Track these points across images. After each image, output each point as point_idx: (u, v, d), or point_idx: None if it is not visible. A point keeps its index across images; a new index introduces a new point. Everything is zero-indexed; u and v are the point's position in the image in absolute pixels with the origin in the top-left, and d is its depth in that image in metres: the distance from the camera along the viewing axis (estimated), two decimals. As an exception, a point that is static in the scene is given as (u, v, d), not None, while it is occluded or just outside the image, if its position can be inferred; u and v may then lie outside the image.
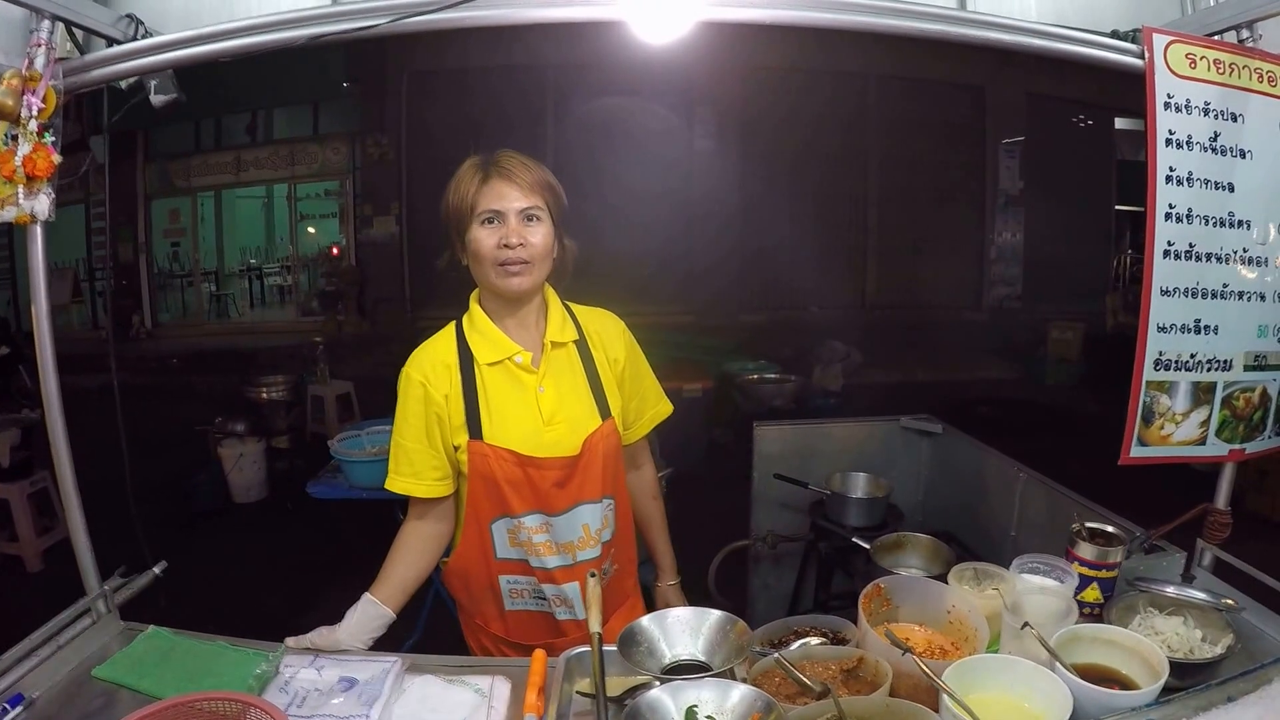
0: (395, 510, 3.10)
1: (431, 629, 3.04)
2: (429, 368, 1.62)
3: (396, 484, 1.65)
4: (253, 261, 10.08)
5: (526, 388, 1.63)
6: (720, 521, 3.07)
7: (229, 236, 9.77)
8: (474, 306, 1.67)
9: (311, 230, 9.54)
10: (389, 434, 3.11)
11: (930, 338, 7.68)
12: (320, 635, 1.62)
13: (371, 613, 1.64)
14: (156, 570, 1.91)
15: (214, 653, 1.56)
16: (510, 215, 1.53)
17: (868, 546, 2.24)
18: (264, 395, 6.00)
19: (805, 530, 2.82)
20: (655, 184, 7.53)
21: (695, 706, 1.12)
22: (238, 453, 5.33)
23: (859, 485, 2.74)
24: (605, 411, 1.68)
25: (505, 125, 7.83)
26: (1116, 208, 8.73)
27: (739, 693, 1.14)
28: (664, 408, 1.86)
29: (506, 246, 1.53)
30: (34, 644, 1.54)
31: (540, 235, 1.56)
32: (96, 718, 1.42)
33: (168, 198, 9.17)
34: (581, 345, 1.70)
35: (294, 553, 4.38)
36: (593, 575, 1.49)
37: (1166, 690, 1.27)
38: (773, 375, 4.97)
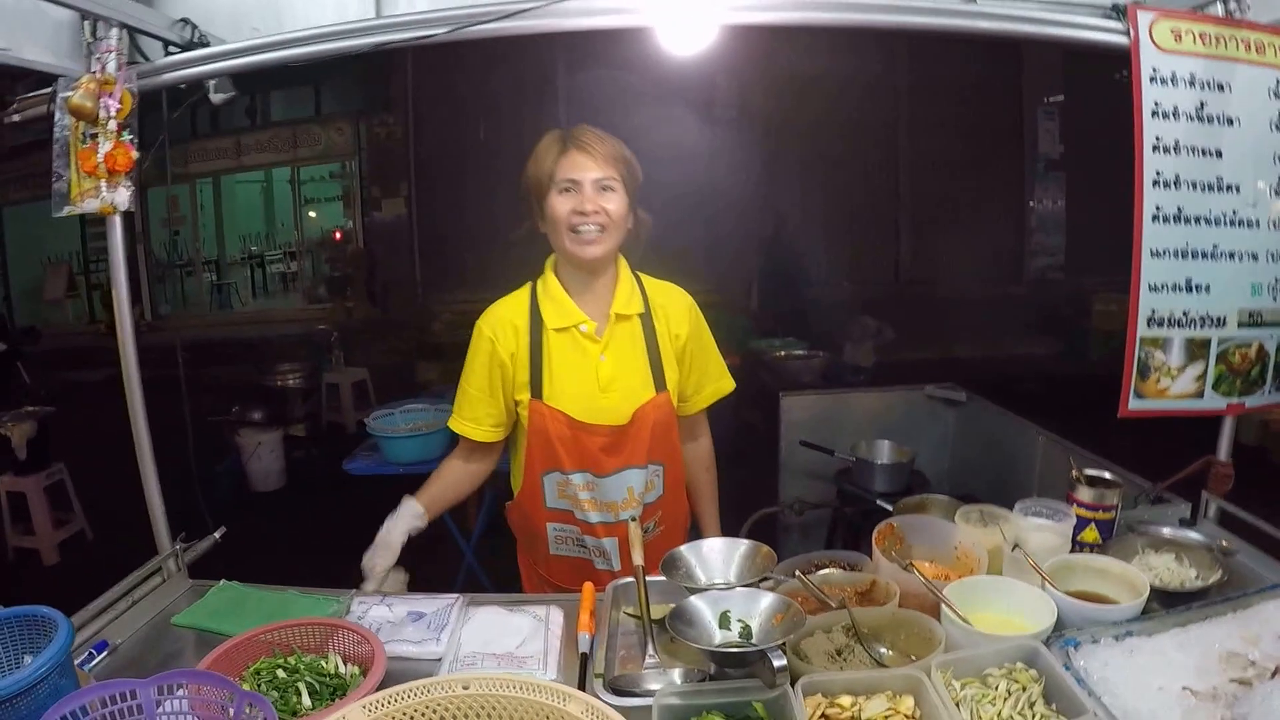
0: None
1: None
2: (499, 326, 1.88)
3: (456, 424, 1.96)
4: (254, 249, 10.35)
5: (588, 355, 1.87)
6: (747, 493, 3.34)
7: (230, 223, 10.06)
8: (549, 273, 1.92)
9: (314, 215, 9.77)
10: (423, 413, 3.46)
11: (967, 312, 7.79)
12: (374, 562, 1.94)
13: (413, 510, 1.97)
14: (216, 535, 2.20)
15: (286, 599, 1.83)
16: (586, 184, 1.77)
17: (890, 509, 2.52)
18: (280, 383, 6.37)
19: (832, 498, 3.12)
20: (676, 158, 7.51)
21: (728, 611, 1.44)
22: (256, 441, 5.67)
23: (884, 452, 3.03)
24: (661, 384, 1.90)
25: (516, 99, 8.02)
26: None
27: (766, 600, 1.44)
28: (725, 384, 2.08)
29: (581, 213, 1.77)
30: (110, 599, 1.80)
31: (615, 203, 1.79)
32: (177, 659, 1.66)
33: (165, 185, 9.47)
34: (646, 318, 1.92)
35: (319, 539, 4.64)
36: (633, 519, 1.81)
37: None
38: (800, 351, 5.22)
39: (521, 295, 1.94)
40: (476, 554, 3.63)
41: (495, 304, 1.94)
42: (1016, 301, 8.50)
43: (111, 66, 1.93)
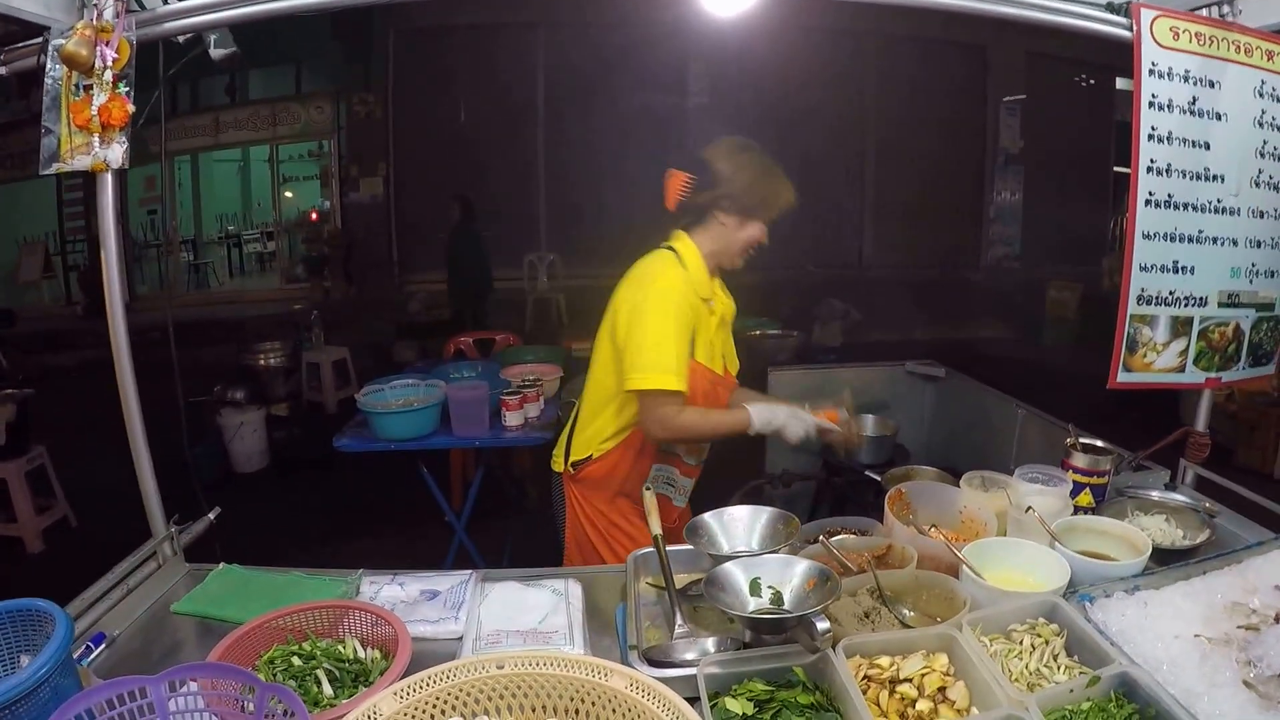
0: (418, 464, 3.33)
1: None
2: (687, 291, 2.01)
3: (676, 383, 1.95)
4: (231, 229, 10.04)
5: (710, 325, 2.11)
6: (736, 466, 3.34)
7: (207, 202, 9.68)
8: (695, 252, 2.06)
9: (290, 194, 9.49)
10: (414, 388, 3.36)
11: (928, 297, 7.91)
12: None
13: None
14: (211, 516, 2.03)
15: (291, 582, 1.70)
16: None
17: (879, 479, 2.53)
18: (262, 363, 6.12)
19: (817, 470, 3.12)
20: (647, 143, 7.55)
21: (758, 578, 1.40)
22: (238, 421, 5.42)
23: (868, 426, 3.03)
24: (731, 351, 2.24)
25: (496, 82, 7.90)
26: (1115, 169, 8.96)
27: (800, 566, 1.40)
28: None
29: (761, 246, 2.07)
30: (104, 588, 1.65)
31: None
32: (181, 650, 1.52)
33: (143, 164, 9.11)
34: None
35: (310, 518, 4.54)
36: (648, 489, 1.76)
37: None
38: (775, 331, 5.25)
39: (675, 264, 2.04)
40: (466, 531, 3.56)
41: (673, 273, 2.02)
42: (974, 287, 8.66)
43: (109, 13, 1.74)
